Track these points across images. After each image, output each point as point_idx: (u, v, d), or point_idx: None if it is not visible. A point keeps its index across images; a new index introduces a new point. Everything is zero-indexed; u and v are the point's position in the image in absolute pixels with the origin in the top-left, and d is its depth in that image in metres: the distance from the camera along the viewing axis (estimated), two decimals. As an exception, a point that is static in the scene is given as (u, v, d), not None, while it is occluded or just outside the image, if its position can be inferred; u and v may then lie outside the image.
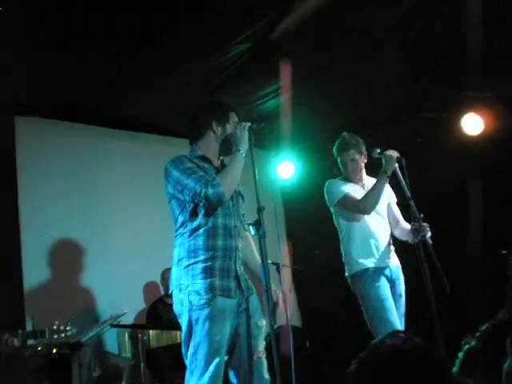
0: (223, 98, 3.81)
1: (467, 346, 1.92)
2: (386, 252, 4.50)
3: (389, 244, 4.56)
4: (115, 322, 5.38)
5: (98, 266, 6.14)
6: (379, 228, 4.54)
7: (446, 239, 4.96)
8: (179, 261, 3.37)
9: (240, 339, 3.31)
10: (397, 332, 1.76)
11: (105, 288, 6.13)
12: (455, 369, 1.95)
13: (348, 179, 4.65)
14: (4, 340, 4.02)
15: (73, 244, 6.07)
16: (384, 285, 4.37)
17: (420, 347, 1.68)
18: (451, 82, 5.74)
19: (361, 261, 4.43)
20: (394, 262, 4.53)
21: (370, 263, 4.41)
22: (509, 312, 4.41)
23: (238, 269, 3.35)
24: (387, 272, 4.43)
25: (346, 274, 4.55)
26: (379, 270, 4.40)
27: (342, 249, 4.60)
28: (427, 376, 1.63)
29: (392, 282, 4.44)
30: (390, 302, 4.31)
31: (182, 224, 3.40)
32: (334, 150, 4.68)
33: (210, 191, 3.22)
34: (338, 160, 4.67)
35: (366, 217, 4.47)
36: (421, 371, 1.64)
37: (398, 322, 4.26)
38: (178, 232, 3.42)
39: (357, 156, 4.59)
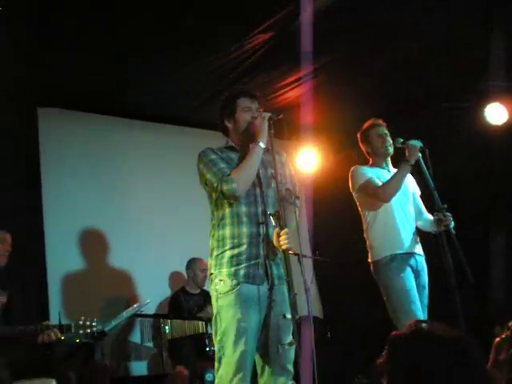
0: (239, 88, 3.76)
1: (498, 339, 1.90)
2: (413, 239, 4.45)
3: (415, 231, 4.51)
4: (138, 312, 5.41)
5: (123, 257, 6.20)
6: (406, 214, 4.49)
7: (470, 230, 4.90)
8: (211, 251, 3.40)
9: (267, 328, 3.28)
10: (421, 321, 1.75)
11: (129, 277, 6.18)
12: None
13: (375, 165, 4.61)
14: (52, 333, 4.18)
15: (96, 234, 6.12)
16: (409, 275, 4.31)
17: (459, 336, 1.67)
18: (475, 72, 5.67)
19: (388, 247, 4.37)
20: (420, 250, 4.49)
21: (397, 249, 4.35)
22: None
23: (267, 256, 3.32)
24: (413, 262, 4.38)
25: (370, 259, 4.48)
26: (405, 258, 4.34)
27: (366, 235, 4.54)
28: (465, 365, 1.61)
29: (417, 273, 4.38)
30: (414, 293, 4.26)
31: (212, 214, 3.43)
32: (360, 134, 4.68)
33: (225, 187, 3.24)
34: (364, 144, 4.66)
35: (393, 202, 4.42)
36: (459, 359, 1.62)
37: (421, 313, 4.22)
38: (212, 223, 3.44)
39: (383, 132, 4.58)
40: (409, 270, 4.34)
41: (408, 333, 1.71)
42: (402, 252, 4.36)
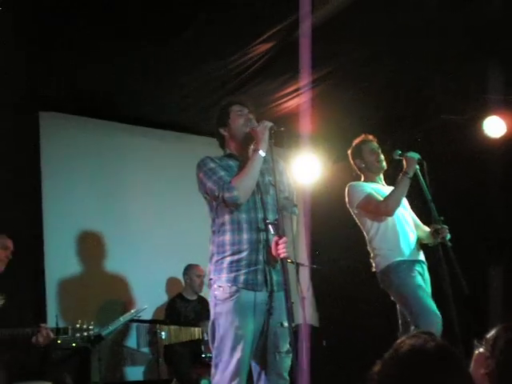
0: (230, 97, 3.80)
1: (476, 352, 1.90)
2: (417, 246, 4.47)
3: (417, 239, 4.52)
4: (135, 317, 5.42)
5: (120, 262, 6.21)
6: (407, 223, 4.51)
7: (466, 242, 4.93)
8: (211, 257, 3.42)
9: (265, 336, 3.30)
10: (420, 332, 1.75)
11: (126, 282, 6.20)
12: None
13: (368, 180, 4.64)
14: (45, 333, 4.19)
15: (95, 239, 6.13)
16: (419, 276, 4.33)
17: (442, 347, 1.67)
18: (474, 84, 5.71)
19: (394, 254, 4.37)
20: (423, 257, 4.50)
21: (404, 256, 4.35)
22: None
23: (266, 262, 3.32)
24: (419, 268, 4.39)
25: (375, 269, 4.47)
26: (413, 264, 4.36)
27: (370, 247, 4.54)
28: (448, 377, 1.62)
29: (423, 280, 4.38)
30: (425, 291, 4.28)
31: (213, 221, 3.45)
32: (351, 150, 4.72)
33: (226, 195, 3.27)
34: (357, 159, 4.68)
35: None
36: (441, 372, 1.62)
37: (436, 308, 4.18)
38: (212, 229, 3.46)
39: (376, 147, 4.62)
40: (417, 272, 4.36)
41: (400, 345, 1.72)
42: (408, 259, 4.37)
